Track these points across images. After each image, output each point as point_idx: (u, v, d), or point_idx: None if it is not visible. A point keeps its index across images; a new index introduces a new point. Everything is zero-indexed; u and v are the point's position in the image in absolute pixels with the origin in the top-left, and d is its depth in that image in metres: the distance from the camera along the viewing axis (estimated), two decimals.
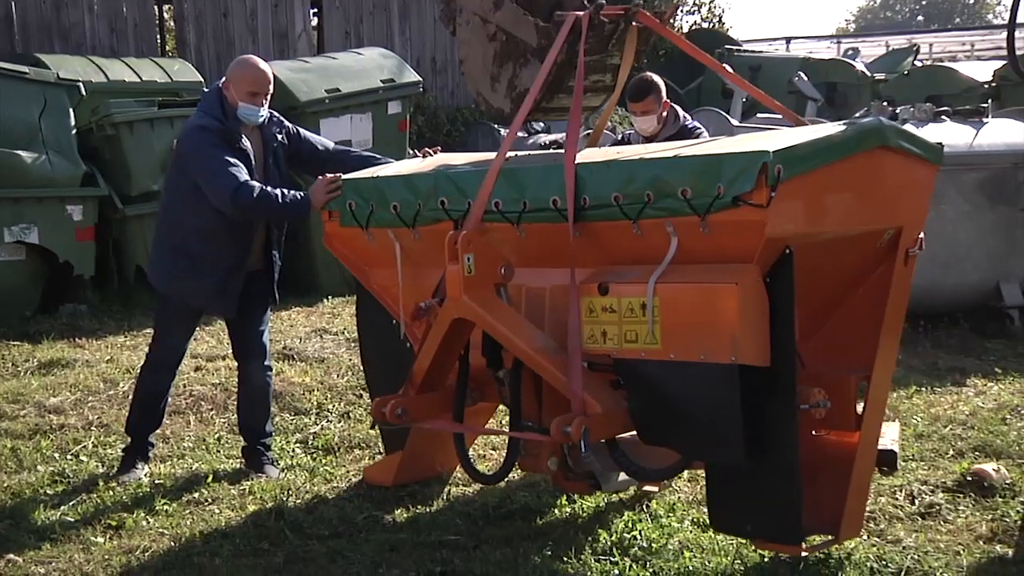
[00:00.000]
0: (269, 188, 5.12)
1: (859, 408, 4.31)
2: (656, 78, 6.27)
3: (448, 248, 4.20)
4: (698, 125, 6.47)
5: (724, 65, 13.20)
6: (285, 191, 5.11)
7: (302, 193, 5.08)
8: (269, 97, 5.32)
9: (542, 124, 13.46)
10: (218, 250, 5.27)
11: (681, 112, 6.44)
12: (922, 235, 4.41)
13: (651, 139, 6.29)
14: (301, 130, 5.61)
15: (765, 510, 4.03)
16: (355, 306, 5.59)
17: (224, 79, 5.33)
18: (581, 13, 4.40)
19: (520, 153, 5.02)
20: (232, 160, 5.10)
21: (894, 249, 4.32)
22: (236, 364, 5.73)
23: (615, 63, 4.65)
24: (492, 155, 5.00)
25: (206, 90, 5.62)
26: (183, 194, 5.27)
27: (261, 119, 5.32)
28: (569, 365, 4.10)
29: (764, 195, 3.72)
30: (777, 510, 4.00)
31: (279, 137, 5.44)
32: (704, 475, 4.40)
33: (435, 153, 5.39)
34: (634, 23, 4.55)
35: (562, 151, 4.41)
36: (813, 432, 4.30)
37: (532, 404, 4.47)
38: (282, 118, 5.56)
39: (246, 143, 5.24)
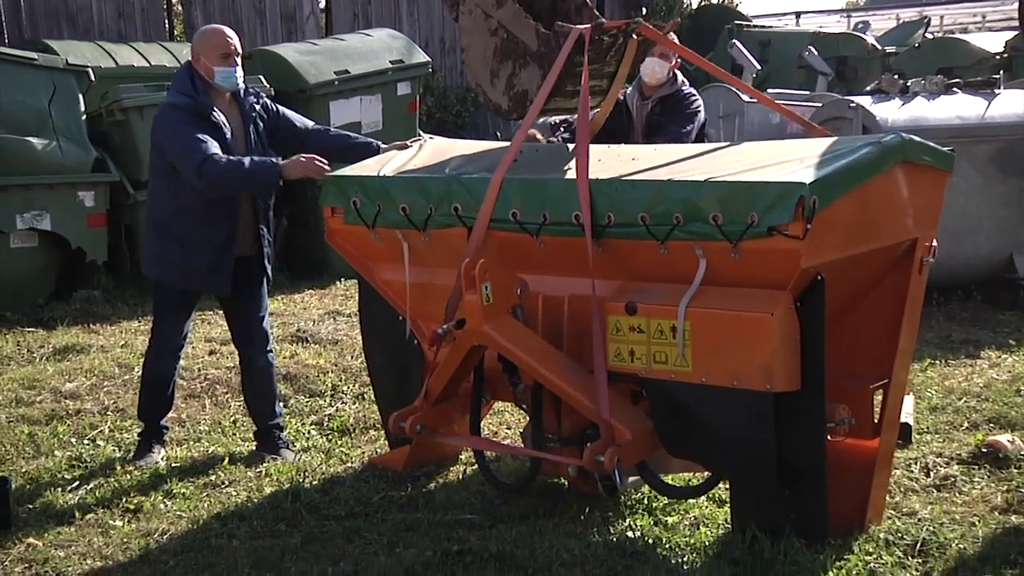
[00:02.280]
0: (236, 157, 5.04)
1: (875, 416, 4.38)
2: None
3: (465, 276, 4.20)
4: (693, 92, 6.60)
5: (734, 42, 13.19)
6: (254, 158, 5.07)
7: (273, 159, 5.06)
8: (241, 59, 5.24)
9: None
10: (205, 227, 5.19)
11: (680, 76, 6.58)
12: (935, 243, 4.42)
13: (650, 93, 6.45)
14: (280, 107, 5.52)
15: (791, 518, 4.08)
16: (358, 310, 5.53)
17: (191, 55, 5.26)
18: (583, 27, 4.43)
19: (533, 144, 4.97)
20: (202, 136, 5.01)
21: (907, 256, 4.33)
22: (237, 352, 5.71)
23: (611, 71, 4.68)
24: (491, 144, 5.00)
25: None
26: (163, 175, 5.22)
27: (240, 82, 5.23)
28: (596, 393, 4.14)
29: (800, 227, 3.74)
30: (803, 519, 4.07)
31: (257, 107, 5.35)
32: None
33: (417, 142, 5.29)
34: (634, 36, 4.57)
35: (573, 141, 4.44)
36: (829, 437, 4.32)
37: (552, 416, 4.50)
38: (260, 91, 5.50)
39: (219, 116, 5.15)
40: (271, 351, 5.65)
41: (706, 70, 5.29)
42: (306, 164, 5.01)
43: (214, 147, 5.01)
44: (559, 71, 4.44)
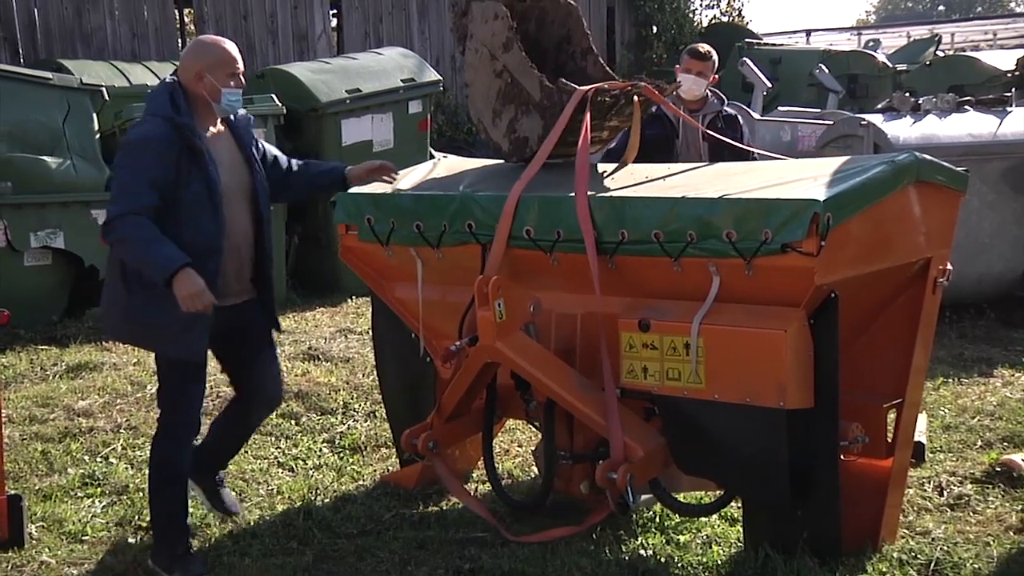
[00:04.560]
0: (150, 234, 4.12)
1: (889, 435, 4.36)
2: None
3: (478, 293, 4.21)
4: (737, 115, 6.53)
5: (744, 60, 13.20)
6: (163, 248, 4.09)
7: (178, 266, 4.05)
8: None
9: None
10: None
11: (723, 96, 6.54)
12: (950, 267, 4.43)
13: (694, 107, 6.33)
14: (263, 142, 4.76)
15: (804, 537, 4.08)
16: (371, 328, 5.53)
17: (188, 72, 4.33)
18: (586, 89, 4.50)
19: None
20: (150, 183, 4.15)
21: (921, 276, 4.34)
22: (234, 398, 4.84)
23: (612, 124, 4.73)
24: (503, 162, 5.01)
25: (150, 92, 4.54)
26: None
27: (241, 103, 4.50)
28: (607, 411, 4.15)
29: (814, 244, 3.74)
30: (817, 538, 4.07)
31: (253, 131, 4.62)
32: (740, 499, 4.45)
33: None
34: (637, 96, 4.62)
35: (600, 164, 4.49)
36: (842, 457, 4.31)
37: (563, 432, 4.50)
38: (249, 115, 4.69)
39: (206, 144, 4.28)
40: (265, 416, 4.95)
41: (689, 123, 5.31)
42: (195, 296, 4.06)
43: (149, 199, 4.15)
44: (562, 129, 4.49)
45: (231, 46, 4.45)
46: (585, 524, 4.54)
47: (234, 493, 5.11)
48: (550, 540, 4.49)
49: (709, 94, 6.42)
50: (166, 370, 4.44)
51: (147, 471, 4.56)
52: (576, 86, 4.53)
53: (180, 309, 4.11)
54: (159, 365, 4.48)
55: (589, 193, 4.29)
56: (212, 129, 4.41)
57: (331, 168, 4.94)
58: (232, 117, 4.50)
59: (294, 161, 4.84)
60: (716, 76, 6.45)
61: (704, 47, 6.45)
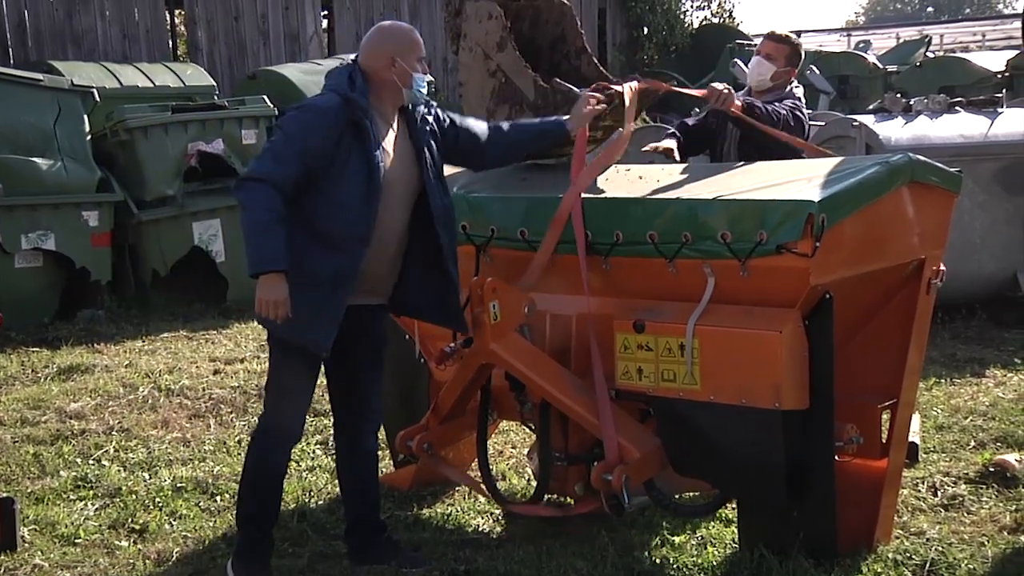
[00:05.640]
0: (275, 213, 3.92)
1: (883, 435, 4.36)
2: (800, 46, 5.75)
3: (473, 295, 4.22)
4: (799, 98, 5.63)
5: (736, 61, 13.20)
6: (277, 234, 3.91)
7: (271, 269, 3.90)
8: None
9: None
10: (315, 258, 4.03)
11: (798, 90, 5.71)
12: (943, 267, 4.44)
13: (760, 100, 5.50)
14: (452, 115, 4.46)
15: (800, 538, 4.07)
16: None
17: (375, 58, 4.18)
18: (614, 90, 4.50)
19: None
20: (297, 153, 3.99)
21: (915, 276, 4.35)
22: (336, 422, 4.52)
23: (606, 124, 4.69)
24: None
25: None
26: (297, 189, 4.06)
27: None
28: (600, 412, 4.15)
29: (809, 245, 3.75)
30: (812, 539, 4.07)
31: (430, 121, 4.30)
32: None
33: None
34: (631, 88, 4.60)
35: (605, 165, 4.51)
36: (836, 457, 4.29)
37: (558, 434, 4.50)
38: (431, 101, 4.39)
39: (375, 126, 4.11)
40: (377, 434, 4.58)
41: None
42: (274, 304, 3.90)
43: (289, 169, 3.97)
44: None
45: (416, 32, 4.33)
46: (575, 510, 4.53)
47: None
48: (540, 515, 4.58)
49: (785, 89, 5.62)
50: (280, 363, 4.23)
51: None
52: (571, 86, 4.53)
53: (309, 292, 3.98)
54: (272, 359, 4.28)
55: (584, 195, 4.29)
56: (388, 117, 4.23)
57: (550, 127, 4.49)
58: (412, 108, 4.27)
59: (494, 126, 4.52)
60: (794, 69, 5.67)
61: (784, 32, 5.78)
